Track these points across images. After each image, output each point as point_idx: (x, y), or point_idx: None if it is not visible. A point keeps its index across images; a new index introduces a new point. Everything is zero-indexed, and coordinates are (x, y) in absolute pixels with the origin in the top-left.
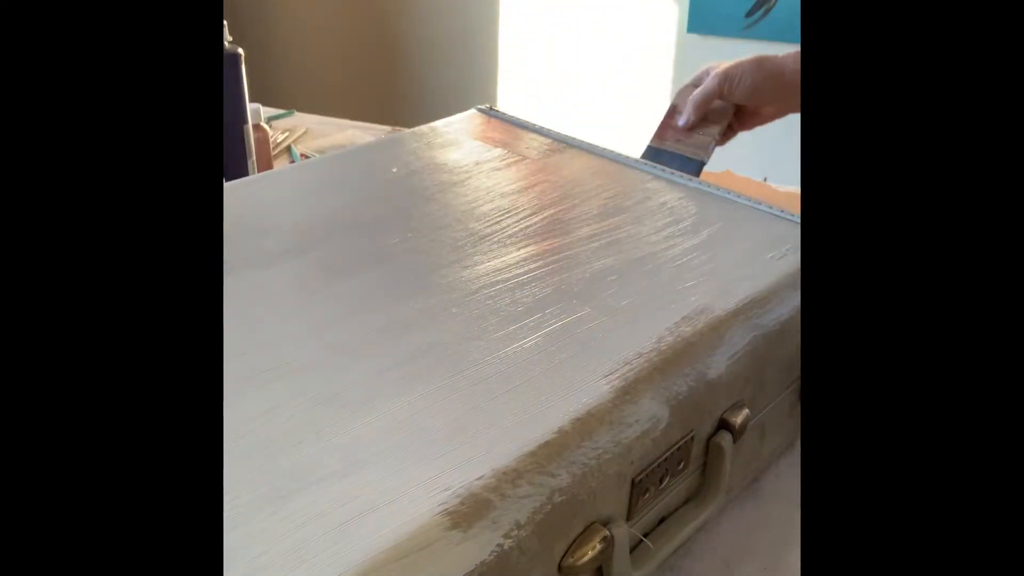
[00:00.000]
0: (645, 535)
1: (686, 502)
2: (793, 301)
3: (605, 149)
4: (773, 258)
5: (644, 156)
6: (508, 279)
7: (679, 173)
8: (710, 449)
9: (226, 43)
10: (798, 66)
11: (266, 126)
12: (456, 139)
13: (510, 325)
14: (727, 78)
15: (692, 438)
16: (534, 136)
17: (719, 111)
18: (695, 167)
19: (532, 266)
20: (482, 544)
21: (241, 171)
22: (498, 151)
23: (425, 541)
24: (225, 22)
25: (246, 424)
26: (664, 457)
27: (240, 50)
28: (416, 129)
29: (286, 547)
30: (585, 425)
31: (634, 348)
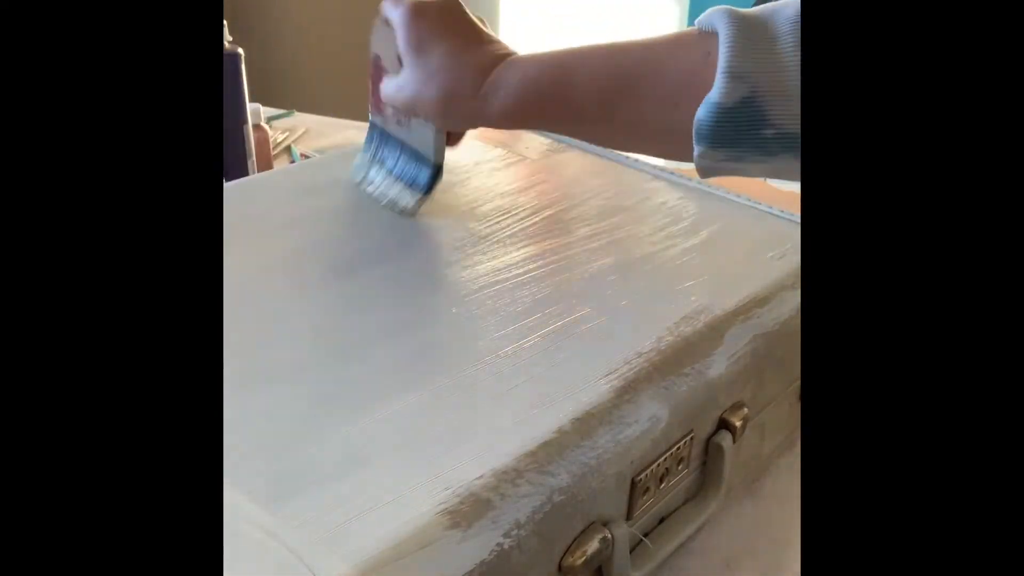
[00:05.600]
0: (645, 535)
1: (686, 502)
2: (793, 301)
3: (605, 149)
4: (773, 258)
5: (370, 130)
6: (508, 279)
7: (679, 172)
8: (710, 449)
9: (226, 43)
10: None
11: (266, 126)
12: None
13: (510, 325)
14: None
15: (692, 438)
16: (534, 136)
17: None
18: (427, 171)
19: (532, 266)
20: (482, 543)
21: (241, 171)
22: (498, 151)
23: (425, 541)
24: (225, 22)
25: (246, 424)
26: (664, 457)
27: (240, 50)
28: None
29: (286, 547)
30: (585, 425)
31: (634, 348)
